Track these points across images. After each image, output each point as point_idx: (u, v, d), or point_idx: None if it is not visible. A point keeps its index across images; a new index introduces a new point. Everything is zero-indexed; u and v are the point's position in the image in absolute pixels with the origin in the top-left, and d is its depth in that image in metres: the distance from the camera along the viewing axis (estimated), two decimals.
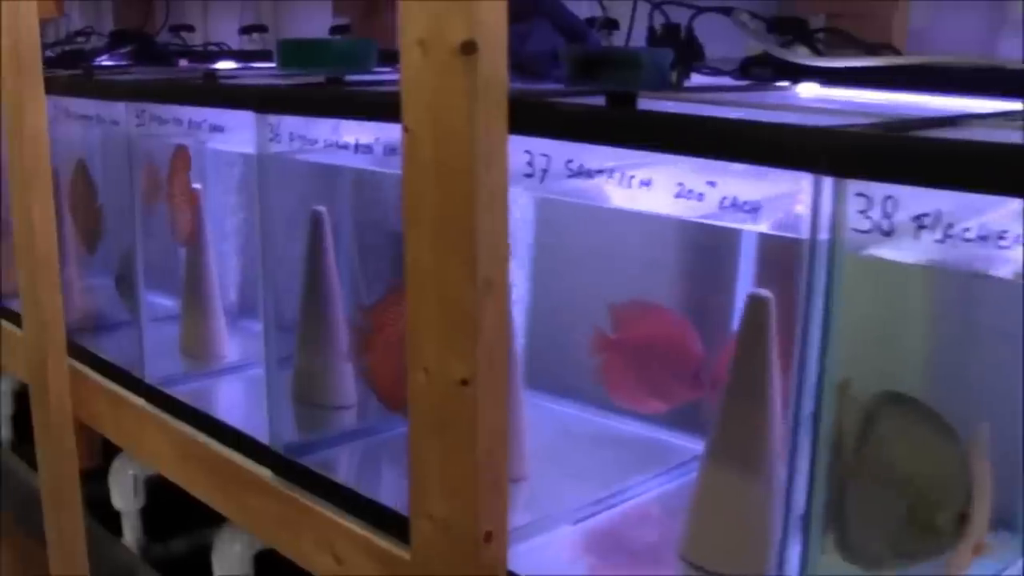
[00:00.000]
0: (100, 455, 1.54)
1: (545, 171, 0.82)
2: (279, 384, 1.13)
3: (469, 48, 0.78)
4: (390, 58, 1.56)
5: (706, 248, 1.04)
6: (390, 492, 1.02)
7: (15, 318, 1.65)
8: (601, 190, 0.82)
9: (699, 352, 0.96)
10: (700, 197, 0.72)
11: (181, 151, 1.30)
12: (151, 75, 1.35)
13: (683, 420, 1.10)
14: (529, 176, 0.82)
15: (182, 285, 1.44)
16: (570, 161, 0.80)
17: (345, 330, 1.23)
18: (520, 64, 1.14)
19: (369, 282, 1.22)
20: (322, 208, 1.19)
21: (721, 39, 1.18)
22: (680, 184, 0.73)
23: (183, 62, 1.90)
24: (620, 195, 0.78)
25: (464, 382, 0.83)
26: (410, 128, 0.83)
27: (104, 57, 1.87)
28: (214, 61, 1.91)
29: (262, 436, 1.15)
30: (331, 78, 1.02)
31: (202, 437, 1.23)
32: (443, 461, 0.86)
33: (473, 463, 0.85)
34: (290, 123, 1.02)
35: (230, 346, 1.45)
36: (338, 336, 1.23)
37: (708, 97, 0.97)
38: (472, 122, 0.79)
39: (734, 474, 0.89)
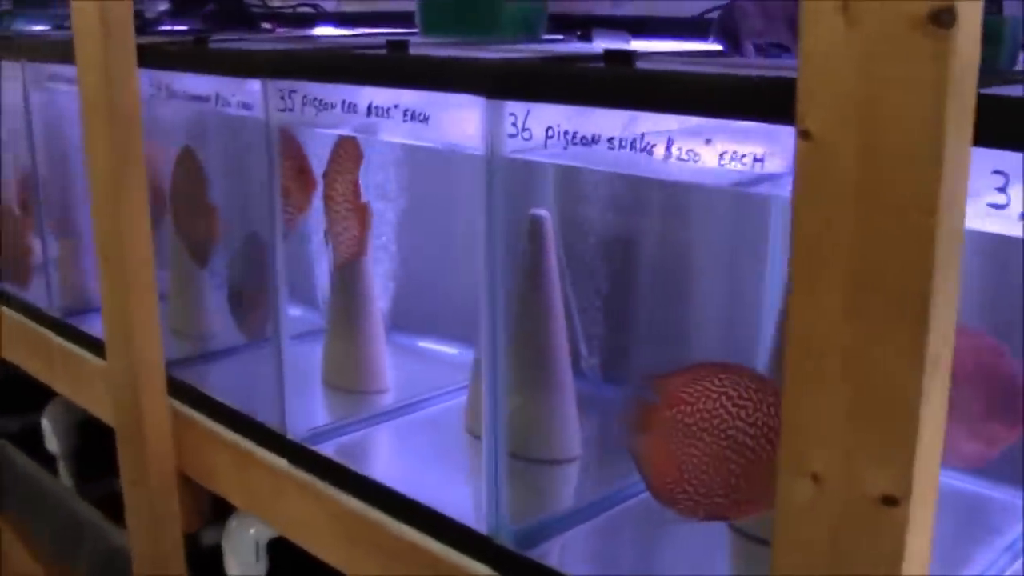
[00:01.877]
0: (209, 512, 1.30)
1: None
2: (500, 447, 0.89)
3: (944, 17, 0.54)
4: (560, 24, 1.34)
5: None
6: None
7: (88, 342, 1.40)
8: None
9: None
10: None
11: (349, 146, 1.05)
12: (293, 45, 1.10)
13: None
14: (999, 207, 0.59)
15: (330, 305, 1.21)
16: None
17: (567, 363, 1.00)
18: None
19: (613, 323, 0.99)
20: (543, 212, 0.96)
21: None
22: None
23: (267, 27, 1.65)
24: None
25: (890, 500, 0.61)
26: (814, 134, 0.59)
27: (167, 21, 1.63)
28: (311, 25, 1.66)
29: (463, 510, 0.94)
30: (613, 52, 0.77)
31: (378, 515, 0.99)
32: None
33: None
34: (547, 114, 0.78)
35: (390, 377, 1.22)
36: (559, 370, 1.00)
37: None
38: (939, 133, 0.55)
39: None
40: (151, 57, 1.18)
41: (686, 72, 0.71)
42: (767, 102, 0.65)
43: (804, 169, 0.60)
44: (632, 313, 1.12)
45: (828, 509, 0.63)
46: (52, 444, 1.61)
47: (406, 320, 1.28)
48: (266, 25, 1.65)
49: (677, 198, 1.04)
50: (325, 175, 1.10)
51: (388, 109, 0.90)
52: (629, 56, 0.76)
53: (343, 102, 0.94)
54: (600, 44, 1.20)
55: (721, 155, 0.70)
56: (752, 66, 0.81)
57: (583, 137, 0.76)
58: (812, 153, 0.60)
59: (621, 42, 1.17)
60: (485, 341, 0.87)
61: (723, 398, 0.82)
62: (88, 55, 1.19)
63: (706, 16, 1.26)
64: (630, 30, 1.21)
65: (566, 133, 0.77)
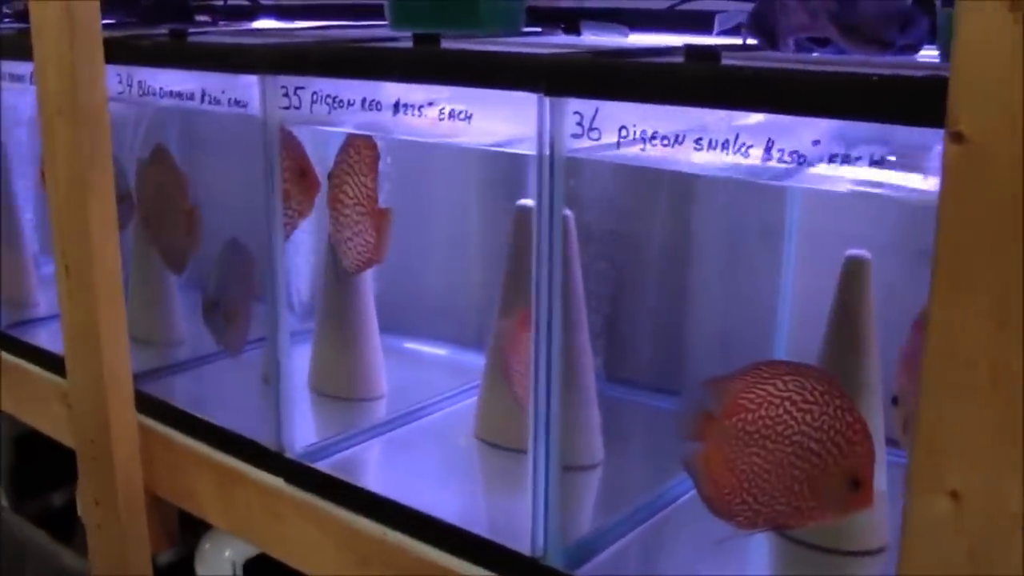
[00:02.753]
0: (176, 533, 1.21)
1: None
2: (552, 460, 0.83)
3: None
4: (540, 18, 1.27)
5: None
6: None
7: (34, 355, 1.30)
8: None
9: None
10: None
11: (363, 146, 0.97)
12: (289, 39, 1.01)
13: None
14: None
15: (323, 308, 1.15)
16: None
17: (590, 365, 0.95)
18: (850, 26, 0.87)
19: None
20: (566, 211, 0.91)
21: None
22: None
23: (205, 19, 1.54)
24: None
25: None
26: (967, 135, 0.55)
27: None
28: (250, 19, 1.56)
29: (495, 526, 0.89)
30: (697, 49, 0.71)
31: (397, 536, 0.92)
32: None
33: None
34: (618, 112, 0.73)
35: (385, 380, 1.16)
36: (583, 373, 0.95)
37: None
38: None
39: None
40: (121, 53, 1.08)
41: (808, 72, 0.66)
42: (913, 103, 0.60)
43: (954, 173, 0.56)
44: (639, 311, 1.08)
45: (968, 527, 0.59)
46: None
47: (390, 321, 1.20)
48: (203, 18, 1.54)
49: (706, 193, 1.00)
50: (331, 176, 1.02)
51: (421, 107, 0.83)
52: (715, 53, 0.71)
53: (364, 100, 0.86)
54: (591, 37, 1.14)
55: (831, 157, 0.65)
56: (830, 64, 0.77)
57: (664, 137, 0.71)
58: (965, 157, 0.55)
59: (618, 35, 1.12)
60: (537, 347, 0.81)
61: (787, 403, 0.77)
62: (49, 51, 1.08)
63: (676, 9, 1.22)
64: (614, 21, 1.16)
65: (643, 133, 0.72)
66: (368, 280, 1.11)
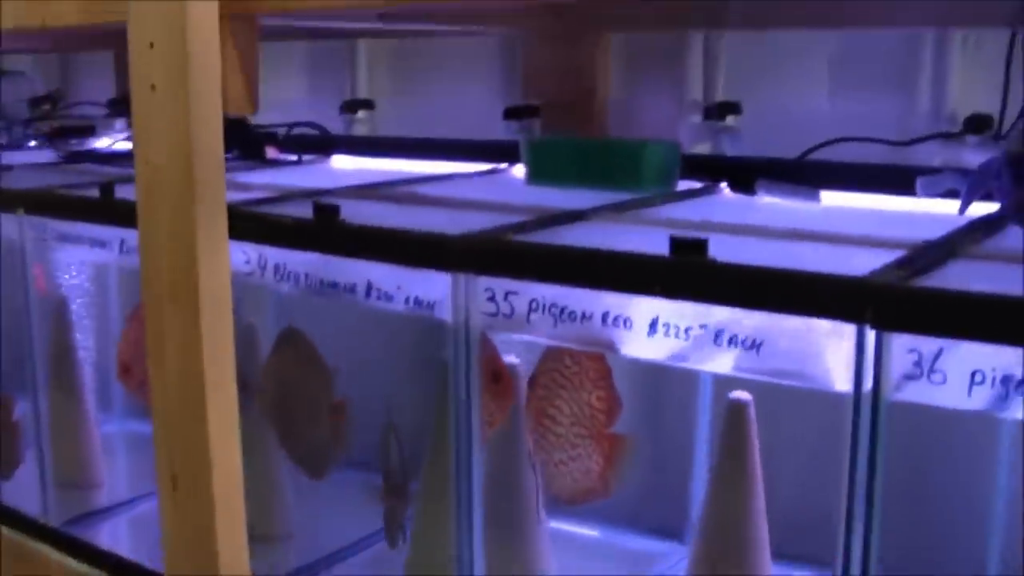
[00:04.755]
0: None
1: None
2: None
3: None
4: (695, 168, 1.14)
5: None
6: None
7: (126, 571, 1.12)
8: None
9: None
10: None
11: (585, 358, 0.82)
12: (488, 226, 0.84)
13: None
14: None
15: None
16: None
17: None
18: None
19: None
20: None
21: None
22: None
23: (274, 156, 1.40)
24: None
25: None
26: None
27: None
28: (323, 154, 1.42)
29: None
30: None
31: None
32: None
33: None
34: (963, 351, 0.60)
35: None
36: None
37: None
38: None
39: None
40: (251, 230, 0.93)
41: None
42: None
43: None
44: None
45: None
46: None
47: None
48: (273, 152, 1.40)
49: None
50: (533, 384, 0.86)
51: (688, 329, 0.70)
52: None
53: (607, 314, 0.73)
54: (771, 199, 1.01)
55: None
56: None
57: None
58: None
59: (808, 201, 0.99)
60: None
61: None
62: (161, 220, 0.92)
63: (862, 165, 1.07)
64: (791, 177, 1.02)
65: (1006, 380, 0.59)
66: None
